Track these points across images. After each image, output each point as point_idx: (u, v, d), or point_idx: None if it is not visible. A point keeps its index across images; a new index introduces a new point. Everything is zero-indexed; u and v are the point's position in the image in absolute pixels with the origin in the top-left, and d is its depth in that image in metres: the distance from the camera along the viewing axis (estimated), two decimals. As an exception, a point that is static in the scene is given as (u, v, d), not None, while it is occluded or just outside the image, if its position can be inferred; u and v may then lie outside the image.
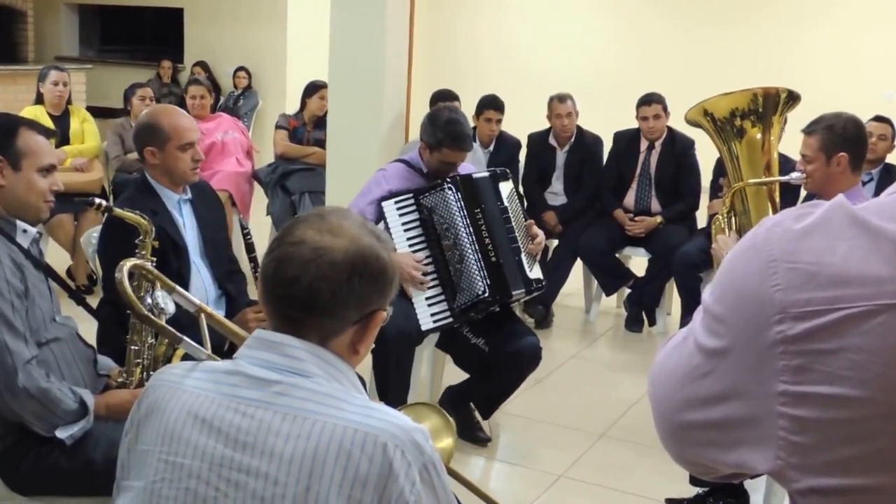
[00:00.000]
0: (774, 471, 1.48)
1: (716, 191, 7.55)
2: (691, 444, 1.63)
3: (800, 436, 1.44)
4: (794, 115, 5.14)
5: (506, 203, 5.65)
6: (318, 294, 2.19)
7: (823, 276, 1.41)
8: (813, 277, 1.42)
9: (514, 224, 5.64)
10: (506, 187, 5.72)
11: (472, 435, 5.99)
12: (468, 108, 8.57)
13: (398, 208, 5.62)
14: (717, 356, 1.54)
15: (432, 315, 5.55)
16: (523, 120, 9.31)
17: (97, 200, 4.08)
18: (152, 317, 3.64)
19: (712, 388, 1.55)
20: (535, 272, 5.67)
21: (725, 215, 4.93)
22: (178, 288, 3.86)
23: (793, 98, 4.91)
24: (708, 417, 1.56)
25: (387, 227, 5.61)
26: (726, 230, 4.91)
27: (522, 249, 5.62)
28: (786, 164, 5.88)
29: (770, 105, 4.85)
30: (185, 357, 3.84)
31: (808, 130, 4.98)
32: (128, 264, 3.67)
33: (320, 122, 9.67)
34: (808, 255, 1.44)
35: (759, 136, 4.88)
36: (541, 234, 5.82)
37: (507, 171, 5.95)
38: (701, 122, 5.01)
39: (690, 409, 1.60)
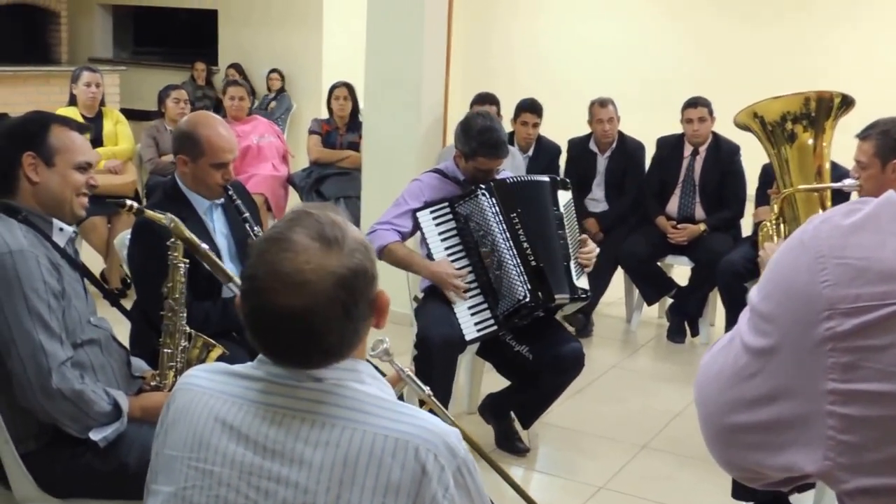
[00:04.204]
0: (823, 472, 1.47)
1: (762, 198, 7.41)
2: (738, 448, 1.62)
3: (849, 435, 1.43)
4: (845, 119, 4.99)
5: (562, 210, 5.61)
6: (328, 347, 2.14)
7: (873, 272, 1.41)
8: (862, 273, 1.42)
9: (566, 231, 5.58)
10: (564, 196, 5.69)
11: (511, 445, 5.96)
12: (507, 111, 8.53)
13: (434, 218, 5.61)
14: (764, 355, 1.53)
15: (476, 324, 5.50)
16: (564, 125, 9.22)
17: (128, 202, 4.02)
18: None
19: (760, 389, 1.54)
20: (581, 281, 5.60)
21: (774, 222, 4.81)
22: (236, 279, 4.02)
23: (847, 103, 4.79)
24: (755, 419, 1.56)
25: (423, 238, 5.63)
26: (774, 237, 4.79)
27: (572, 257, 5.54)
28: (834, 171, 5.74)
29: (823, 109, 4.73)
30: (219, 359, 3.83)
31: (863, 135, 4.83)
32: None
33: (353, 125, 9.77)
34: (857, 250, 1.44)
35: (810, 141, 4.76)
36: (593, 245, 5.75)
37: (568, 181, 5.92)
38: (750, 125, 4.90)
39: (737, 411, 1.59)
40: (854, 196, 5.83)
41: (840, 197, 5.92)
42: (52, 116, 3.93)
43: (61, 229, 3.76)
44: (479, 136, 5.54)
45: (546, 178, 5.74)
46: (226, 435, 2.15)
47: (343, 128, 9.90)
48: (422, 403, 3.49)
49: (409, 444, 2.05)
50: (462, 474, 2.11)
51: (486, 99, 8.53)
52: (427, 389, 3.38)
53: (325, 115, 10.31)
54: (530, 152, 8.51)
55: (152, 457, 2.32)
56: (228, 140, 4.77)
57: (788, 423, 1.51)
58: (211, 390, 2.23)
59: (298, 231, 2.11)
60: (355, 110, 9.93)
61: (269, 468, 2.09)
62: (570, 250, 5.57)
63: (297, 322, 2.07)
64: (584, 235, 5.77)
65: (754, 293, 1.59)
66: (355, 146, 9.66)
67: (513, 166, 7.54)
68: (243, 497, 2.11)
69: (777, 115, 4.78)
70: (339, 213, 2.22)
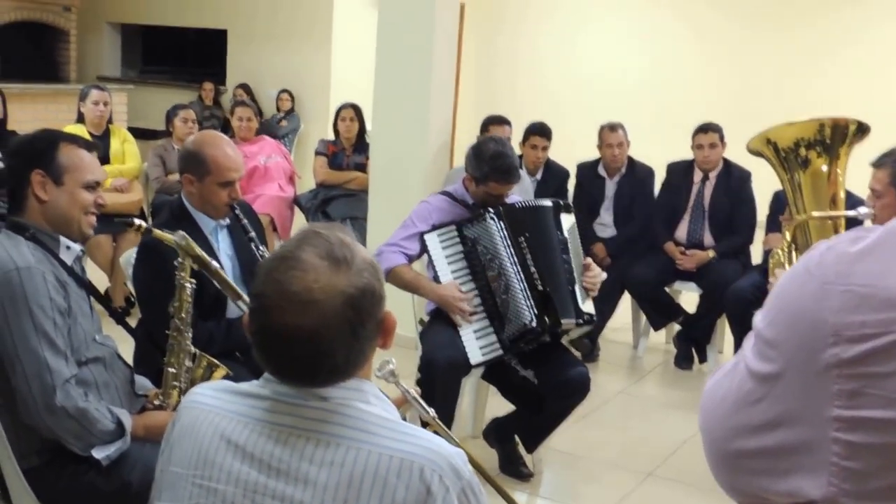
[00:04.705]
0: (827, 498, 1.48)
1: (772, 225, 7.36)
2: (743, 473, 1.62)
3: (853, 461, 1.45)
4: (859, 147, 4.93)
5: (566, 235, 5.56)
6: (334, 366, 2.13)
7: (878, 299, 1.43)
8: (867, 300, 1.43)
9: (571, 255, 5.53)
10: (568, 219, 5.64)
11: (514, 469, 5.90)
12: (517, 134, 8.50)
13: (441, 241, 5.57)
14: (769, 381, 1.55)
15: (481, 348, 5.45)
16: (573, 149, 9.21)
17: (137, 221, 4.05)
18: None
19: (765, 415, 1.56)
20: (587, 306, 5.54)
21: (786, 249, 4.75)
22: (245, 297, 3.99)
23: (862, 130, 4.72)
24: (760, 445, 1.57)
25: (430, 260, 5.61)
26: (786, 264, 4.73)
27: (577, 281, 5.48)
28: (849, 200, 5.69)
29: (838, 136, 4.67)
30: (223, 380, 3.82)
31: (878, 163, 4.79)
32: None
33: (359, 147, 9.79)
34: (862, 277, 1.46)
35: (824, 167, 4.70)
36: (598, 269, 5.69)
37: (571, 204, 5.87)
38: (763, 151, 4.84)
39: (742, 436, 1.60)
40: (868, 224, 5.79)
41: (854, 225, 5.86)
42: (60, 134, 3.92)
43: (68, 247, 3.76)
44: (492, 161, 5.50)
45: (549, 203, 5.69)
46: (230, 453, 2.14)
47: (350, 149, 9.89)
48: (426, 426, 3.46)
49: (413, 465, 2.04)
50: (467, 496, 2.10)
51: (500, 120, 8.50)
52: (432, 411, 3.37)
53: (332, 136, 10.29)
54: (538, 175, 8.49)
55: (157, 474, 2.30)
56: (234, 159, 4.76)
57: (793, 449, 1.52)
58: (217, 408, 2.22)
59: (307, 250, 2.11)
60: (362, 131, 9.94)
61: (274, 487, 2.08)
62: (575, 274, 5.52)
63: (305, 341, 2.06)
64: (589, 259, 5.71)
65: (759, 319, 1.62)
66: (362, 167, 9.66)
67: (520, 189, 7.50)
68: None
69: (790, 141, 4.72)
70: (347, 233, 2.21)
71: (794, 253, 4.74)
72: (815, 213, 4.65)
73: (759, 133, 4.84)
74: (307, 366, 2.10)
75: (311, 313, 2.04)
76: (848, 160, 4.73)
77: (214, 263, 4.08)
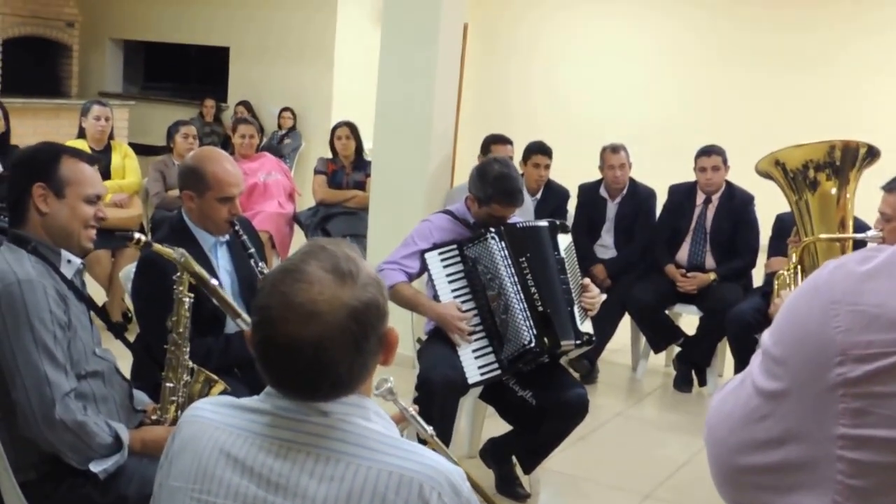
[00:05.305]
0: None
1: (775, 248, 7.33)
2: (747, 489, 1.63)
3: (857, 479, 1.46)
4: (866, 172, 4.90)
5: (563, 255, 5.54)
6: (336, 379, 2.12)
7: (886, 319, 1.43)
8: (875, 320, 1.44)
9: (568, 276, 5.51)
10: (564, 239, 5.62)
11: (511, 490, 5.86)
12: (516, 154, 8.46)
13: (442, 259, 5.54)
14: (775, 399, 1.56)
15: (479, 368, 5.42)
16: (575, 170, 9.20)
17: (136, 235, 4.02)
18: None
19: (770, 432, 1.57)
20: (585, 326, 5.52)
21: (792, 270, 4.70)
22: (244, 315, 4.00)
23: (872, 154, 4.69)
24: (765, 461, 1.58)
25: (430, 279, 5.58)
26: (791, 286, 4.68)
27: (575, 302, 5.46)
28: (855, 224, 5.65)
29: (848, 159, 4.64)
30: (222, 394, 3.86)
31: (889, 188, 4.74)
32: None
33: (358, 164, 9.82)
34: (871, 297, 1.46)
35: (833, 190, 4.67)
36: (596, 290, 5.65)
37: (567, 224, 5.87)
38: (772, 172, 4.82)
39: (747, 452, 1.61)
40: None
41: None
42: (63, 148, 3.92)
43: (69, 261, 3.75)
44: (496, 183, 5.48)
45: (545, 223, 5.68)
46: (230, 467, 2.13)
47: (349, 167, 9.90)
48: (424, 444, 3.43)
49: (412, 481, 2.03)
50: None
51: (502, 139, 8.47)
52: (430, 429, 3.35)
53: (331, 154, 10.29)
54: (538, 195, 8.46)
55: (155, 488, 2.29)
56: (234, 175, 4.75)
57: (797, 466, 1.53)
58: (217, 422, 2.21)
59: (313, 263, 2.11)
60: (359, 149, 9.96)
61: (273, 501, 2.07)
62: (573, 294, 5.50)
63: (308, 352, 2.05)
64: (587, 280, 5.69)
65: (767, 336, 1.62)
66: (361, 185, 9.69)
67: (521, 209, 7.46)
68: None
69: (799, 162, 4.70)
70: (353, 249, 2.21)
71: (800, 275, 4.71)
72: (823, 236, 4.62)
73: (768, 154, 4.81)
74: (309, 378, 2.09)
75: (315, 325, 2.04)
76: (857, 185, 4.69)
77: (214, 282, 4.08)
